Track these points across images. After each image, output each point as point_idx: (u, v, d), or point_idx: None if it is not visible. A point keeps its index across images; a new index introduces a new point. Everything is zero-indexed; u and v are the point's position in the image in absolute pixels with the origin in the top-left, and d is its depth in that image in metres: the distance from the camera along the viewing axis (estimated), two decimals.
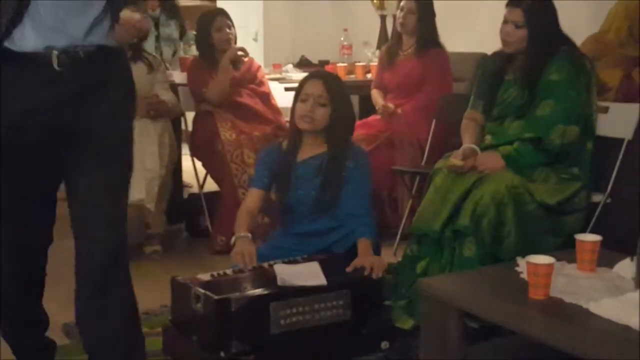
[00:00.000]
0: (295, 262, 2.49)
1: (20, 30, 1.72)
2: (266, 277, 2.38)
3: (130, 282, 1.93)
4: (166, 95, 3.74)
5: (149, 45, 4.24)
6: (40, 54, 1.73)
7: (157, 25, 4.44)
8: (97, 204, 1.82)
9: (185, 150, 4.02)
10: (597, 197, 2.69)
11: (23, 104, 1.75)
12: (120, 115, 1.85)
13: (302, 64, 5.04)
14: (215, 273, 2.42)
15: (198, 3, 5.82)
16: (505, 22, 2.72)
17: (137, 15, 1.67)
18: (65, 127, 1.77)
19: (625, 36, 3.01)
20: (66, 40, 1.74)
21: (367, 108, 4.25)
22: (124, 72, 1.89)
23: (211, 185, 3.95)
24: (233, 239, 2.56)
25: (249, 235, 2.56)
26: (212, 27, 3.75)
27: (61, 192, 1.92)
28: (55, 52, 1.73)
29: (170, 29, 4.50)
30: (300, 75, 4.42)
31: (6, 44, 1.73)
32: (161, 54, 4.36)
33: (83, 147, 1.80)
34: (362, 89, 4.24)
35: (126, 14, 1.78)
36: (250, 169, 3.50)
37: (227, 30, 3.75)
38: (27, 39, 1.72)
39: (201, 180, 3.93)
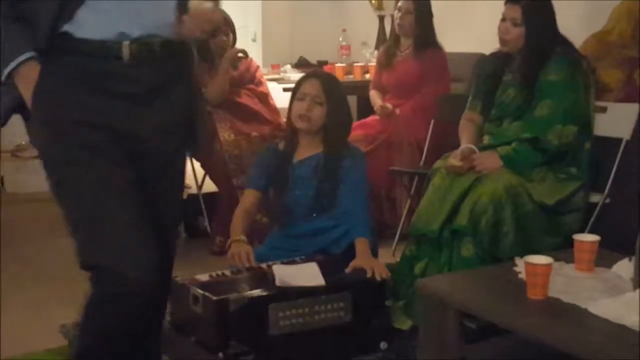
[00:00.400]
0: (293, 262, 2.49)
1: (85, 14, 1.52)
2: (265, 278, 2.38)
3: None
4: None
5: None
6: (109, 43, 1.53)
7: None
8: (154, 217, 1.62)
9: None
10: (596, 197, 2.68)
11: (87, 99, 1.55)
12: (185, 118, 1.67)
13: (300, 64, 5.04)
14: (213, 274, 2.42)
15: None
16: (503, 19, 2.72)
17: (208, 4, 1.56)
18: (132, 127, 1.59)
19: (628, 37, 3.00)
20: (139, 29, 1.54)
21: (366, 108, 4.24)
22: (191, 70, 1.72)
23: (210, 186, 3.95)
24: (228, 242, 2.55)
25: (244, 238, 2.56)
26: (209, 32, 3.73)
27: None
28: (126, 42, 1.54)
29: None
30: (298, 75, 4.41)
31: (67, 27, 1.53)
32: None
33: (148, 152, 1.63)
34: (361, 89, 4.24)
35: (194, 2, 1.60)
36: (249, 169, 3.50)
37: (224, 38, 3.73)
38: (93, 24, 1.52)
39: (200, 181, 3.93)
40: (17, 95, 1.61)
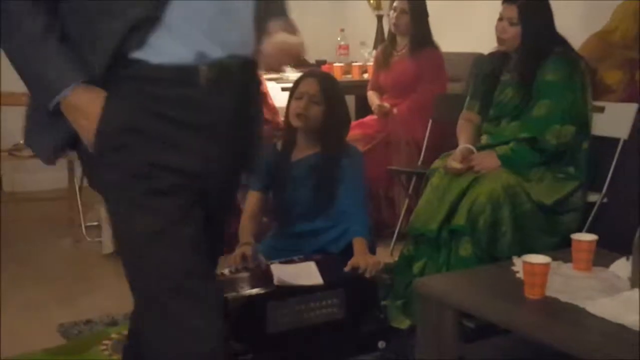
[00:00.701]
0: (291, 262, 2.49)
1: (159, 38, 1.32)
2: (263, 277, 2.38)
3: None
4: None
5: None
6: (185, 67, 1.34)
7: None
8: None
9: None
10: (593, 197, 2.69)
11: (160, 134, 1.35)
12: (249, 142, 1.52)
13: (298, 63, 5.03)
14: None
15: None
16: (500, 18, 2.72)
17: (295, 39, 1.50)
18: (205, 165, 1.40)
19: (631, 38, 2.99)
20: (220, 49, 1.36)
21: (364, 108, 4.25)
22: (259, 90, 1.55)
23: None
24: (238, 246, 2.56)
25: (252, 242, 2.58)
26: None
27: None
28: (204, 67, 1.35)
29: None
30: (297, 75, 4.40)
31: (137, 54, 1.32)
32: None
33: (214, 187, 1.45)
34: (359, 88, 4.24)
35: (281, 35, 1.45)
36: None
37: None
38: (169, 48, 1.32)
39: None
40: (67, 129, 1.37)
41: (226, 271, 2.45)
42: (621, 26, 3.05)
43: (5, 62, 1.39)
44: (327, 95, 2.66)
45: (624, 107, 2.74)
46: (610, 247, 2.10)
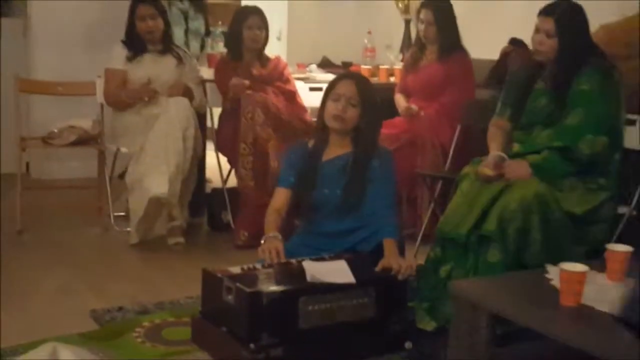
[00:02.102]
0: (322, 259, 2.53)
1: None
2: (295, 273, 2.42)
3: None
4: (195, 91, 3.79)
5: (179, 38, 4.29)
6: None
7: (186, 19, 4.49)
8: None
9: (209, 146, 4.06)
10: (623, 209, 2.71)
11: None
12: None
13: (324, 64, 5.08)
14: (245, 266, 2.46)
15: (223, 1, 5.86)
16: (537, 31, 2.74)
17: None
18: None
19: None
20: None
21: (390, 111, 4.28)
22: None
23: (233, 181, 4.01)
24: (263, 238, 2.60)
25: (278, 235, 2.61)
26: (245, 24, 3.79)
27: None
28: None
29: (199, 23, 4.55)
30: (324, 75, 4.46)
31: None
32: (188, 48, 4.40)
33: None
34: (385, 91, 4.27)
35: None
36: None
37: (257, 31, 3.79)
38: None
39: (225, 175, 3.98)
40: None
41: (259, 265, 2.50)
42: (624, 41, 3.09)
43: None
44: (364, 97, 2.70)
45: None
46: (638, 258, 2.13)
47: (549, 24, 2.70)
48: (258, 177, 3.61)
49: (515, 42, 3.63)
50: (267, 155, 3.61)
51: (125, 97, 3.68)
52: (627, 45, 3.11)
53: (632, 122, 2.78)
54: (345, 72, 3.38)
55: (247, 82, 3.71)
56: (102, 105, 3.90)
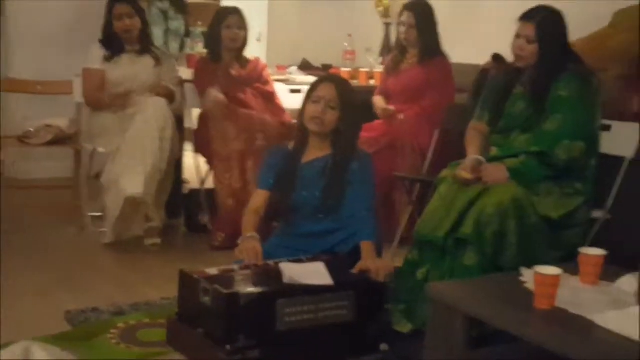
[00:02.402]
0: (300, 261, 2.53)
1: None
2: (272, 275, 2.41)
3: None
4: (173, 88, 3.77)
5: (158, 38, 4.27)
6: None
7: (166, 19, 4.47)
8: None
9: (187, 147, 4.04)
10: (597, 213, 2.75)
11: None
12: None
13: (304, 66, 5.08)
14: (222, 268, 2.45)
15: (203, 1, 5.84)
16: (517, 36, 2.77)
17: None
18: None
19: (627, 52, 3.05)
20: None
21: (369, 114, 4.29)
22: None
23: (211, 183, 4.00)
24: (240, 238, 2.59)
25: (256, 235, 2.60)
26: (224, 23, 3.78)
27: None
28: None
29: (179, 23, 4.54)
30: (304, 77, 4.46)
31: None
32: (167, 49, 4.38)
33: None
34: (365, 94, 4.28)
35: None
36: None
37: (236, 31, 3.79)
38: None
39: (202, 177, 3.96)
40: None
41: (236, 267, 2.49)
42: (619, 39, 3.13)
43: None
44: (344, 100, 2.70)
45: (630, 127, 2.81)
46: (611, 262, 2.16)
47: (530, 30, 2.73)
48: (236, 193, 3.59)
49: (496, 59, 3.67)
50: (244, 170, 3.59)
51: (108, 101, 3.65)
52: (599, 60, 3.16)
53: (607, 128, 2.81)
54: (325, 75, 3.39)
55: (224, 99, 3.66)
56: (79, 105, 3.86)
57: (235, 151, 3.59)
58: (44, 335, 2.43)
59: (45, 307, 2.76)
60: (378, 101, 4.03)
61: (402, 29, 3.89)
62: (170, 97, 3.68)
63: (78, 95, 3.83)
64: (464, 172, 2.67)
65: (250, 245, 2.53)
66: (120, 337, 2.48)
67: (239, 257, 2.53)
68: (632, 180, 2.76)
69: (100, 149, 3.70)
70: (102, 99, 3.66)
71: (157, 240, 3.57)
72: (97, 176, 3.99)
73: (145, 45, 3.77)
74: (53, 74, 4.11)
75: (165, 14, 4.47)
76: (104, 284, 3.06)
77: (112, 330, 2.52)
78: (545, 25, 2.71)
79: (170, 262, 3.25)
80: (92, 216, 3.79)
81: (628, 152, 2.77)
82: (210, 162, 3.82)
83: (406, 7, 3.91)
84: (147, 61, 3.76)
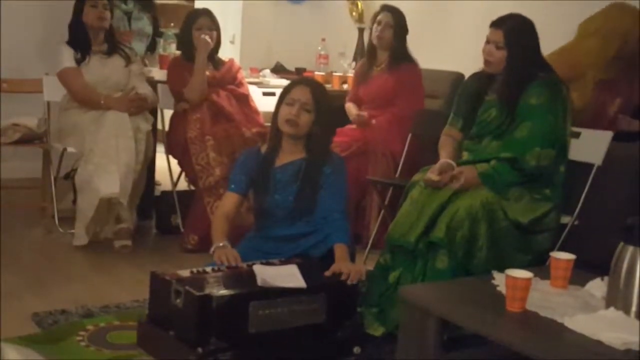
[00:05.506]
0: (272, 264, 2.53)
1: None
2: (245, 277, 2.40)
3: None
4: (143, 89, 3.74)
5: None
6: None
7: (129, 20, 4.43)
8: None
9: (159, 148, 4.01)
10: (565, 219, 2.79)
11: None
12: None
13: (277, 69, 5.08)
14: (194, 270, 2.43)
15: (175, 2, 5.81)
16: (487, 42, 2.81)
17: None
18: None
19: (602, 58, 3.10)
20: None
21: (342, 119, 4.30)
22: None
23: (184, 184, 3.97)
24: (212, 248, 2.57)
25: (228, 244, 2.58)
26: (194, 25, 3.77)
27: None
28: None
29: (142, 23, 4.49)
30: (277, 80, 4.46)
31: None
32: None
33: None
34: (338, 99, 4.30)
35: None
36: (215, 170, 3.51)
37: (207, 32, 3.77)
38: None
39: (175, 178, 3.94)
40: None
41: (208, 269, 2.47)
42: (587, 44, 3.18)
43: None
44: (318, 103, 2.70)
45: (599, 134, 2.86)
46: (580, 267, 2.20)
47: (498, 36, 2.77)
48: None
49: None
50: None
51: (105, 101, 3.58)
52: (573, 68, 3.22)
53: (576, 135, 2.86)
54: (300, 78, 3.40)
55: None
56: (48, 104, 3.80)
57: (220, 177, 3.52)
58: (10, 337, 2.38)
59: (12, 309, 2.70)
60: (351, 108, 4.05)
61: (377, 28, 3.91)
62: (142, 107, 3.64)
63: (47, 94, 3.77)
64: (432, 174, 2.69)
65: (225, 251, 2.52)
66: (89, 340, 2.45)
67: (218, 262, 2.51)
68: (600, 186, 2.81)
69: (71, 149, 3.65)
70: (98, 95, 3.59)
71: (128, 243, 3.53)
72: (66, 177, 3.94)
73: (112, 44, 3.73)
74: (21, 73, 4.04)
75: (129, 15, 4.42)
76: (73, 286, 3.01)
77: (81, 333, 2.49)
78: (514, 32, 2.75)
79: (141, 265, 3.22)
80: (61, 218, 3.73)
81: (597, 159, 2.81)
82: (181, 163, 3.79)
83: (384, 8, 3.95)
84: (117, 61, 3.72)
